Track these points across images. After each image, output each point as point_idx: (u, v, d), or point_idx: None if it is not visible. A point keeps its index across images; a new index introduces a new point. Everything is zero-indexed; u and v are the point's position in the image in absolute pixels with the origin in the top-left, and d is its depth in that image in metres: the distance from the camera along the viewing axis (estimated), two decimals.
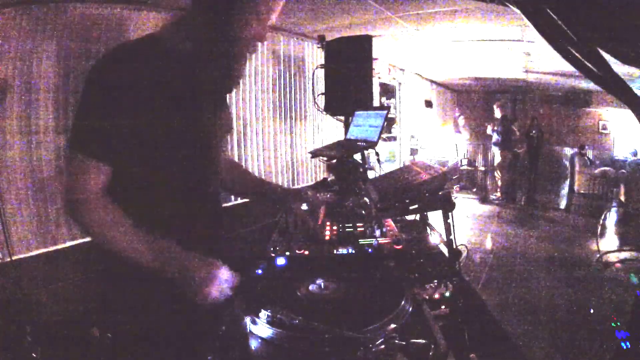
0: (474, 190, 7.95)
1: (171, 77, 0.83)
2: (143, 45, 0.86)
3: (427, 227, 1.33)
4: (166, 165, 0.85)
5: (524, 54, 5.03)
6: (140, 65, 0.80)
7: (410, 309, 0.73)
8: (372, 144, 1.78)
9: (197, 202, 0.94)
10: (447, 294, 0.85)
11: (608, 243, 4.78)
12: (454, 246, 0.98)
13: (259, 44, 0.93)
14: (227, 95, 1.07)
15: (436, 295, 0.85)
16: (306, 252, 1.05)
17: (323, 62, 3.07)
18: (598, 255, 4.13)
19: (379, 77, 5.97)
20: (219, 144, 1.02)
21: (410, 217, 1.40)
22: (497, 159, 7.12)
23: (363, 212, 1.36)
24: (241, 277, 0.81)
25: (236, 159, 3.50)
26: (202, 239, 0.92)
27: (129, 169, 0.83)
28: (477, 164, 8.27)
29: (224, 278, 0.79)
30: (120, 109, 0.78)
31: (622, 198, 6.06)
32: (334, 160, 1.88)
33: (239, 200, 3.18)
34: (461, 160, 8.21)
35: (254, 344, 0.67)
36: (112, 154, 0.81)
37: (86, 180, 0.81)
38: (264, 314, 0.69)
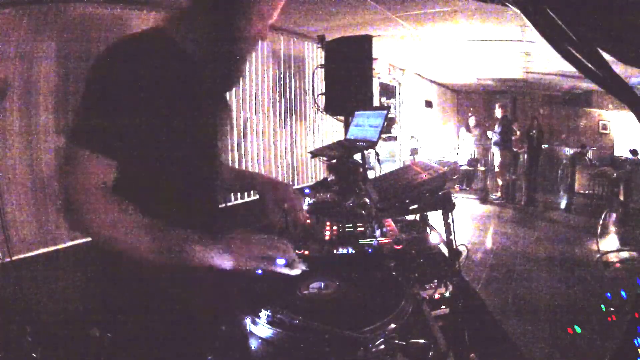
0: (474, 190, 7.96)
1: (174, 76, 0.83)
2: (147, 41, 0.85)
3: (427, 227, 1.33)
4: (164, 164, 0.85)
5: (524, 54, 5.03)
6: (144, 62, 0.79)
7: (410, 309, 0.73)
8: (372, 144, 1.78)
9: (195, 202, 0.93)
10: (447, 294, 0.85)
11: (608, 243, 4.78)
12: (454, 246, 0.98)
13: (260, 42, 0.93)
14: (227, 94, 1.07)
15: (436, 295, 0.85)
16: (306, 252, 1.05)
17: (323, 62, 3.07)
18: (598, 255, 4.13)
19: (379, 77, 5.97)
20: (219, 144, 1.01)
21: (410, 217, 1.39)
22: (497, 159, 7.12)
23: (363, 212, 1.36)
24: (241, 277, 0.81)
25: (236, 159, 3.50)
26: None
27: (127, 166, 0.81)
28: (477, 164, 8.28)
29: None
30: (124, 105, 0.77)
31: (622, 198, 6.05)
32: (334, 160, 1.87)
33: (239, 200, 3.18)
34: (467, 160, 8.23)
35: (254, 344, 0.67)
36: (116, 148, 0.78)
37: (89, 176, 0.76)
38: (264, 314, 0.69)
